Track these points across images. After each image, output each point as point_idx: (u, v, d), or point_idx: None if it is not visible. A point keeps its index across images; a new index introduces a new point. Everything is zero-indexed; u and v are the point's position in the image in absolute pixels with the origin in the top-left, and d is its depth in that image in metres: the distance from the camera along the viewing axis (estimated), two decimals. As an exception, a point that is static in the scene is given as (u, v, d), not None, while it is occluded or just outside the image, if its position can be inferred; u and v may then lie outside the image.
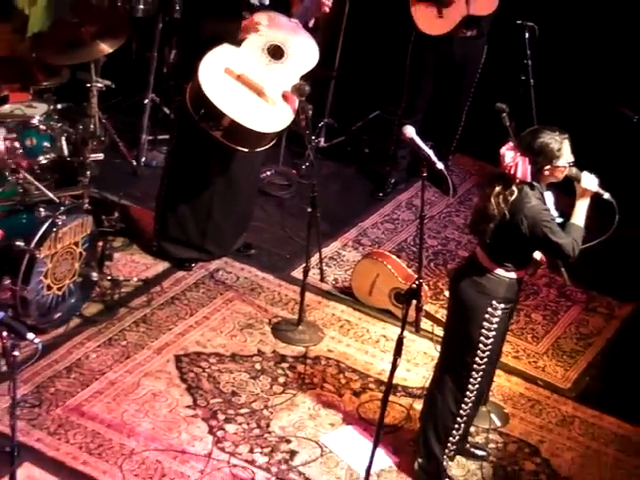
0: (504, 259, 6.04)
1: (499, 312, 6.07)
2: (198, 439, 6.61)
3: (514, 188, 5.85)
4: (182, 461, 6.44)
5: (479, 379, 6.26)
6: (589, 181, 5.95)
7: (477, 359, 6.18)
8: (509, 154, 5.87)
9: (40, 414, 6.61)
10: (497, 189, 5.89)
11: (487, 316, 6.07)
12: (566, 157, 5.87)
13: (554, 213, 6.05)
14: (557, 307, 8.21)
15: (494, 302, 6.05)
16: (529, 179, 5.85)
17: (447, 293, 7.94)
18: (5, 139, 7.23)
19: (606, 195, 6.01)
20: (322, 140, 9.57)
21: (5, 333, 4.90)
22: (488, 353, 6.17)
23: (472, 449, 6.73)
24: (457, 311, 6.27)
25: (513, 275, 6.07)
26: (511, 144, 5.97)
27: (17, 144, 7.35)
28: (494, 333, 6.12)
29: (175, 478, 6.32)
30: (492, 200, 5.89)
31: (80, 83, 8.64)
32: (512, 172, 5.84)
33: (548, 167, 5.86)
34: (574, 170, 5.92)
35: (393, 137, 8.52)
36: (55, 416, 6.62)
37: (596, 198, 5.99)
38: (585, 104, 9.08)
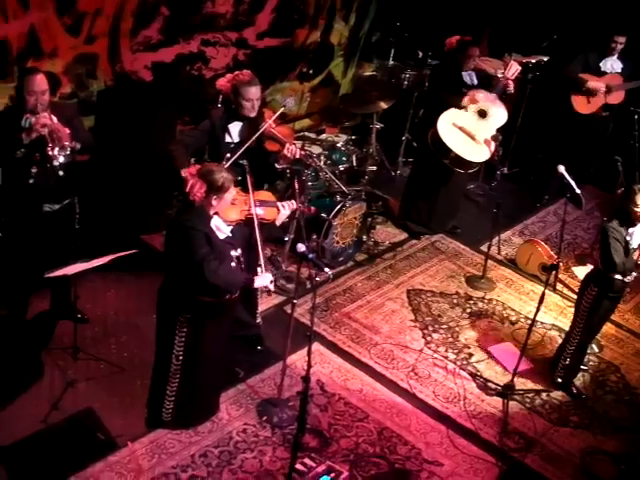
0: (602, 262, 5.79)
1: (593, 292, 5.87)
2: (415, 340, 6.60)
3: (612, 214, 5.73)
4: (405, 352, 6.44)
5: (581, 329, 6.05)
6: None
7: (579, 319, 6.02)
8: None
9: (326, 315, 6.72)
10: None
11: (586, 292, 5.92)
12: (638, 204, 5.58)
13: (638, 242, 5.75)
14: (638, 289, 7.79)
15: (592, 284, 5.88)
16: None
17: (574, 268, 7.74)
18: (319, 155, 7.34)
19: None
20: (505, 169, 9.28)
21: (312, 266, 5.03)
22: (585, 315, 5.96)
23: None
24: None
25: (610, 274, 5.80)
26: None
27: (323, 157, 7.46)
28: (588, 305, 5.91)
29: (400, 362, 6.33)
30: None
31: (366, 125, 8.73)
32: None
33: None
34: None
35: (550, 171, 8.19)
36: (335, 317, 6.72)
37: None
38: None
